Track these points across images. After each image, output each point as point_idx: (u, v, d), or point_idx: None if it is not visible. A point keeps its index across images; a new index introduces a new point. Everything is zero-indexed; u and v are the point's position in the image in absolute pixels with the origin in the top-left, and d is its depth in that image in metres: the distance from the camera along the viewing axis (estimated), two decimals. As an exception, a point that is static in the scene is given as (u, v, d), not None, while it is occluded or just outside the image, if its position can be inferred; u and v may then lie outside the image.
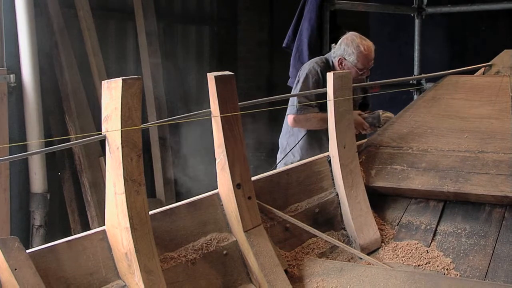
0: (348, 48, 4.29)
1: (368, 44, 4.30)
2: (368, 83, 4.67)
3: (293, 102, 4.35)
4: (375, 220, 3.16)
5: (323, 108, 4.29)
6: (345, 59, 4.31)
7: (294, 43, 5.64)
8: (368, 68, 4.35)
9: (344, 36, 4.41)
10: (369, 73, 4.45)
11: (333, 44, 4.50)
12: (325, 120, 4.29)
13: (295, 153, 4.52)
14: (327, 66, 4.37)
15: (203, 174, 5.61)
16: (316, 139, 4.46)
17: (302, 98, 4.29)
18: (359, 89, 4.29)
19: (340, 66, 4.33)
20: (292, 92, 4.45)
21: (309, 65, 4.42)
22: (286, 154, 4.51)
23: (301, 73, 4.42)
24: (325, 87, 4.20)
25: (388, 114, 4.22)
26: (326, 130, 4.35)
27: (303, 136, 4.47)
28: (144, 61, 6.45)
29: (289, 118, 4.37)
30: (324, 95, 4.16)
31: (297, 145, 4.49)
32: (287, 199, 3.03)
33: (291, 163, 4.41)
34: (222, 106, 2.57)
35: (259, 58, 8.37)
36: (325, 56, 4.53)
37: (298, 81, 4.40)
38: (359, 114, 4.30)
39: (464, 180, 3.14)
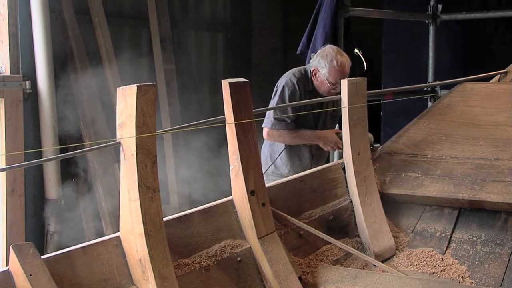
0: (322, 61, 4.19)
1: (342, 60, 4.17)
2: (382, 90, 4.62)
3: (269, 115, 4.24)
4: (390, 227, 3.15)
5: (299, 123, 4.26)
6: (318, 71, 4.21)
7: (308, 49, 5.63)
8: None
9: (322, 48, 4.34)
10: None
11: (312, 54, 4.45)
12: (299, 137, 4.27)
13: (278, 164, 4.42)
14: (305, 77, 4.29)
15: (218, 181, 5.62)
16: (297, 152, 4.38)
17: (277, 111, 4.20)
18: (329, 103, 4.19)
19: (314, 77, 4.25)
20: (270, 104, 4.32)
21: (286, 77, 4.32)
22: (270, 165, 4.41)
23: (278, 84, 4.33)
24: (302, 99, 4.18)
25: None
26: (308, 145, 4.33)
27: (284, 149, 4.37)
28: (158, 68, 6.48)
29: (263, 131, 4.26)
30: (299, 109, 4.08)
31: (280, 157, 4.39)
32: (301, 206, 3.02)
33: (272, 173, 4.39)
34: (236, 113, 2.58)
35: (273, 64, 8.38)
36: (304, 66, 4.44)
37: (275, 92, 4.31)
38: (337, 133, 4.20)
39: (479, 187, 3.12)
